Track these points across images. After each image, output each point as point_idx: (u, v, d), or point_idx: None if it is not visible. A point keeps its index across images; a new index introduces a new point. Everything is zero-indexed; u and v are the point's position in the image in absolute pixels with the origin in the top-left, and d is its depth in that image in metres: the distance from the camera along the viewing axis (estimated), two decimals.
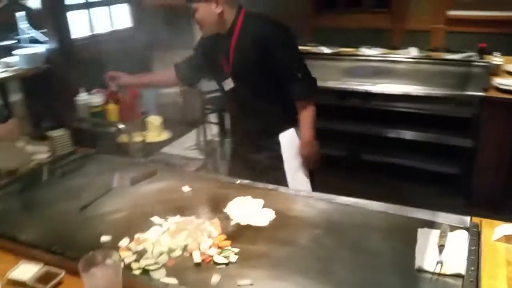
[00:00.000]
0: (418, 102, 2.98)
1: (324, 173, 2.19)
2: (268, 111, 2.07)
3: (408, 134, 3.13)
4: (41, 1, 4.29)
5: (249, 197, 1.67)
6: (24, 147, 2.03)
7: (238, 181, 1.84)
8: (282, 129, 2.12)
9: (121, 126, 2.08)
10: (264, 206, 1.62)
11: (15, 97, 4.80)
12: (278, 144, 2.11)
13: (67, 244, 1.40)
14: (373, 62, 3.70)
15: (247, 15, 1.97)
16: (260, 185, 1.79)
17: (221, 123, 4.07)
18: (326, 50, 4.00)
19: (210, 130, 4.22)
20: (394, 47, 4.01)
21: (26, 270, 1.31)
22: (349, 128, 3.35)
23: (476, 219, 1.44)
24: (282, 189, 1.77)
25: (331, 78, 3.25)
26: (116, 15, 5.21)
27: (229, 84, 2.04)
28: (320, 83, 2.10)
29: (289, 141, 2.12)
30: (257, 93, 2.04)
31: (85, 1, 4.81)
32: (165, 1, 8.10)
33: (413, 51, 3.64)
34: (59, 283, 1.28)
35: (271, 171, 2.08)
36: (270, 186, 1.78)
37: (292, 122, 2.10)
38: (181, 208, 1.61)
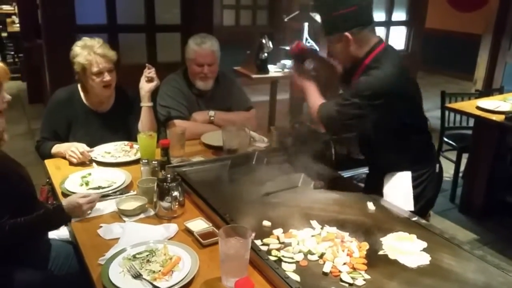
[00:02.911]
0: None
1: None
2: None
3: None
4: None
5: (414, 236, 1.61)
6: (249, 133, 2.40)
7: (415, 218, 1.77)
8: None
9: (331, 137, 2.23)
10: (423, 250, 1.54)
11: (284, 96, 5.53)
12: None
13: (238, 216, 1.65)
14: None
15: (376, 57, 1.85)
16: (436, 229, 1.69)
17: (457, 163, 3.80)
18: None
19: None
20: None
21: (198, 225, 1.63)
22: None
23: None
24: (456, 241, 1.63)
25: None
26: (392, 36, 5.33)
27: None
28: None
29: (395, 182, 1.96)
30: None
31: None
32: (448, 27, 7.85)
33: None
34: (215, 243, 1.53)
35: None
36: (446, 235, 1.66)
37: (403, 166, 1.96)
38: (344, 222, 1.68)
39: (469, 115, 3.43)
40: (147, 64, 2.41)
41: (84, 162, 2.18)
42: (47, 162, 2.22)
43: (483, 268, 1.47)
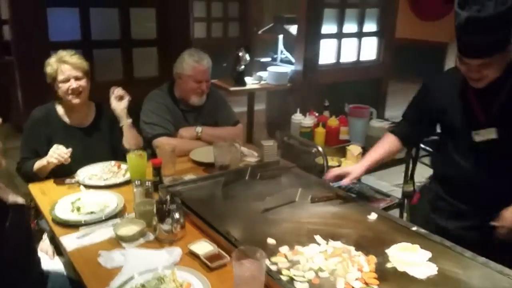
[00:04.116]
0: None
1: None
2: None
3: None
4: (298, 28, 4.84)
5: (417, 246, 1.61)
6: (239, 148, 2.38)
7: (415, 228, 1.78)
8: None
9: (320, 148, 2.24)
10: (429, 260, 1.54)
11: (259, 106, 5.54)
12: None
13: (240, 235, 1.63)
14: None
15: None
16: (437, 238, 1.70)
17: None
18: None
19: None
20: None
21: (203, 247, 1.58)
22: None
23: None
24: (458, 249, 1.64)
25: None
26: (364, 47, 5.40)
27: (484, 135, 1.79)
28: None
29: None
30: None
31: (338, 31, 5.15)
32: (417, 36, 8.09)
33: None
34: (223, 265, 1.50)
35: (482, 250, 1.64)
36: (447, 243, 1.67)
37: None
38: (347, 235, 1.67)
39: None
40: (112, 87, 2.40)
41: (70, 184, 2.14)
42: (31, 187, 2.13)
43: (487, 275, 1.48)
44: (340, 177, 2.01)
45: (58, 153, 2.08)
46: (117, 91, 2.38)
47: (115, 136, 2.40)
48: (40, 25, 3.31)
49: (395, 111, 5.97)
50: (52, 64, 2.27)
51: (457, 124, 1.88)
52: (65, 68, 2.25)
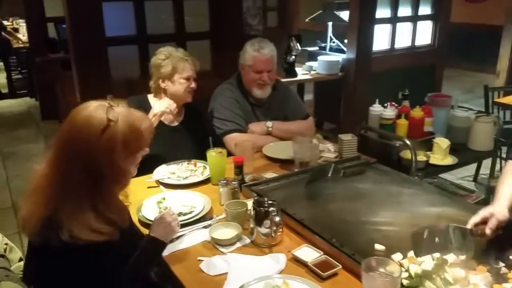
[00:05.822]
0: None
1: None
2: None
3: None
4: (350, 13, 4.63)
5: None
6: (318, 144, 2.24)
7: None
8: None
9: (408, 142, 2.07)
10: None
11: (308, 97, 5.38)
12: None
13: (345, 240, 1.49)
14: None
15: None
16: None
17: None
18: None
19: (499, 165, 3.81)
20: None
21: (307, 253, 1.46)
22: None
23: None
24: None
25: None
26: (419, 31, 5.17)
27: None
28: None
29: None
30: None
31: (392, 16, 4.93)
32: (470, 20, 7.72)
33: None
34: (335, 274, 1.38)
35: None
36: None
37: None
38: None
39: None
40: None
41: (150, 183, 2.04)
42: None
43: None
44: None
45: (169, 103, 2.15)
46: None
47: (201, 135, 2.37)
48: (96, 21, 3.24)
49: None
50: (175, 59, 2.26)
51: None
52: (187, 67, 2.27)
